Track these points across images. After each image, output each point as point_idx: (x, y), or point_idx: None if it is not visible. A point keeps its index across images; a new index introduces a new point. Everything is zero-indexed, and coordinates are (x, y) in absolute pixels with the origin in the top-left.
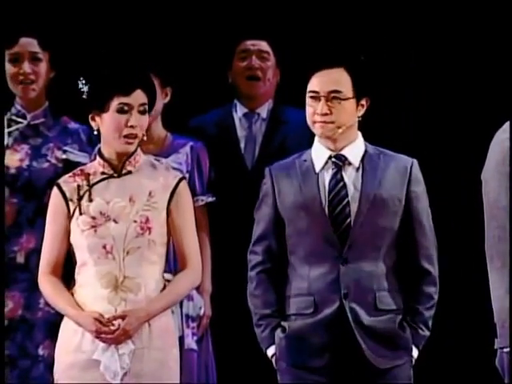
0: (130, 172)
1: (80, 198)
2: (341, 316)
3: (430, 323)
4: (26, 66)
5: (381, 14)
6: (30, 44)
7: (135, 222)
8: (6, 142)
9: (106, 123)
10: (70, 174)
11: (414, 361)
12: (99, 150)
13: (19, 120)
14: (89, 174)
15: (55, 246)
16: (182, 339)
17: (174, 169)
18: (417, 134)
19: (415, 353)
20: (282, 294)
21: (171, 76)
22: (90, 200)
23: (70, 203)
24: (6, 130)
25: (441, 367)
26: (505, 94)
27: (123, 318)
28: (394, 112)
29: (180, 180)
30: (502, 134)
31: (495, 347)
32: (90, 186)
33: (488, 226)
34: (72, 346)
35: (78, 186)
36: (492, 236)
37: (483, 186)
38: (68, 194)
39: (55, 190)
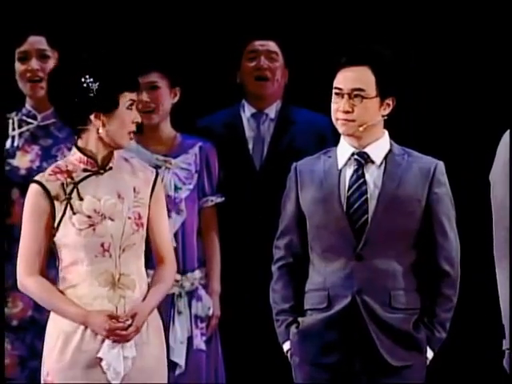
0: (111, 168)
1: (69, 197)
2: (353, 312)
3: (448, 326)
4: (34, 63)
5: (381, 15)
6: (38, 42)
7: (129, 218)
8: (16, 143)
9: (115, 120)
10: (49, 171)
11: (428, 362)
12: (79, 146)
13: (30, 121)
14: (69, 171)
15: (38, 245)
16: (190, 339)
17: (183, 169)
18: (417, 134)
19: (430, 354)
20: (301, 290)
21: (180, 76)
22: (81, 198)
23: (56, 202)
24: (17, 131)
25: (449, 368)
26: (509, 95)
27: (134, 315)
28: (393, 112)
29: (157, 174)
30: (508, 135)
31: (503, 348)
32: (77, 183)
33: (496, 227)
34: (71, 346)
35: (63, 184)
36: (500, 237)
37: (491, 187)
38: (53, 193)
39: (36, 188)
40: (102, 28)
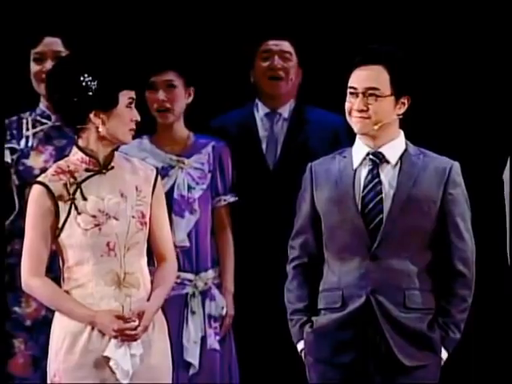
0: (112, 167)
1: (73, 197)
2: (367, 312)
3: (462, 326)
4: (49, 64)
5: (395, 14)
6: (54, 43)
7: (133, 217)
8: (30, 143)
9: (115, 118)
10: (52, 172)
11: (442, 363)
12: (79, 146)
13: (44, 121)
14: (71, 172)
15: (44, 246)
16: (204, 339)
17: (196, 169)
18: (431, 135)
19: (444, 355)
20: (315, 289)
21: (195, 76)
22: (84, 198)
23: (60, 202)
24: (31, 131)
25: (463, 369)
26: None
27: (142, 314)
28: (409, 112)
29: (157, 172)
30: None
31: None
32: (80, 183)
33: (509, 226)
34: (78, 346)
35: (66, 185)
36: None
37: (504, 186)
38: (57, 193)
39: (40, 188)
40: (118, 29)
